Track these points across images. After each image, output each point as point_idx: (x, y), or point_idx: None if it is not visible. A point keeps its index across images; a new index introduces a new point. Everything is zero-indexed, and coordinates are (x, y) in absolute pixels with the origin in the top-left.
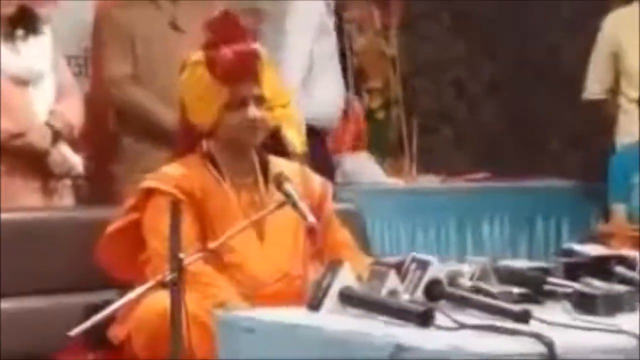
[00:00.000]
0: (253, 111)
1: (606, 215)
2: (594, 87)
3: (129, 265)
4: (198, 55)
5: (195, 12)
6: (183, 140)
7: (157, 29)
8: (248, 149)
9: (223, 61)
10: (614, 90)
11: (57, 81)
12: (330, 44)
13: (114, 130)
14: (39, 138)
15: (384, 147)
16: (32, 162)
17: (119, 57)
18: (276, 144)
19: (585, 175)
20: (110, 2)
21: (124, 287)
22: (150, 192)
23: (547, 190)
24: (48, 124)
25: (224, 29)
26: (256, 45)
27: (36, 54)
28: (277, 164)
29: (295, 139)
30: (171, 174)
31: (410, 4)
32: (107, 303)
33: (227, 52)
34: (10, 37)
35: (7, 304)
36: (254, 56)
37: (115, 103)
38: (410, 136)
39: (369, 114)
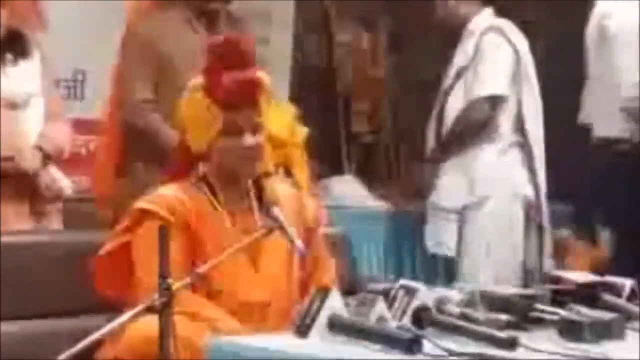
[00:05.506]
0: (248, 139)
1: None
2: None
3: (123, 287)
4: (199, 79)
5: None
6: (179, 163)
7: (189, 53)
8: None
9: (222, 88)
10: None
11: (46, 104)
12: None
13: (124, 152)
14: (29, 161)
15: (371, 171)
16: (22, 186)
17: (142, 80)
18: None
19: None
20: (138, 17)
21: (114, 311)
22: (143, 214)
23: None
24: (38, 147)
25: (225, 54)
26: (258, 73)
27: (25, 77)
28: (273, 189)
29: (302, 178)
30: (166, 196)
31: (399, 25)
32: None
33: (226, 79)
34: (0, 60)
35: None
36: (254, 84)
37: (130, 126)
38: (398, 160)
39: (356, 138)
